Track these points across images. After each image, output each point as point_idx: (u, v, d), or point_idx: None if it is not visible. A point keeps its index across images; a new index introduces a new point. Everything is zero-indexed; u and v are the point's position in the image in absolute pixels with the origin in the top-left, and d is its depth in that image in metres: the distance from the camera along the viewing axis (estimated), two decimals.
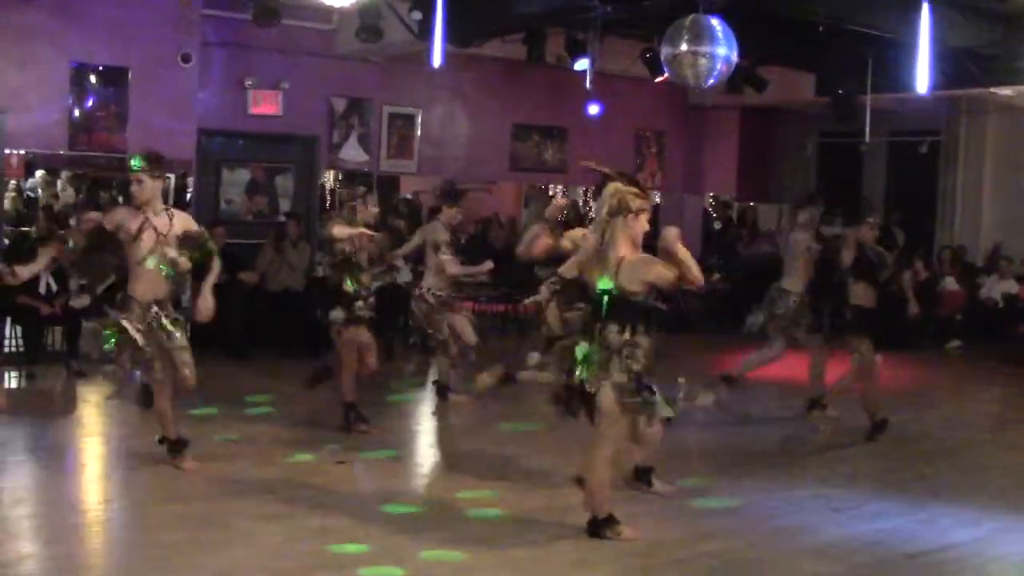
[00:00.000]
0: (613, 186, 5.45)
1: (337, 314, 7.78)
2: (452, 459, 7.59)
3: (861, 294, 8.22)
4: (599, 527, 5.64)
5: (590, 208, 18.65)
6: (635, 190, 5.45)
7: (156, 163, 6.57)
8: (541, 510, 6.19)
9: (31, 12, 10.28)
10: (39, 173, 12.98)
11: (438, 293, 8.72)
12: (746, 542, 5.82)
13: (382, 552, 5.42)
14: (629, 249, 5.42)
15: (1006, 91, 12.38)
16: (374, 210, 8.02)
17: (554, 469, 6.97)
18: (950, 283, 13.85)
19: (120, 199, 11.77)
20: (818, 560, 5.63)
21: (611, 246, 5.41)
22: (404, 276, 11.49)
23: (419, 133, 13.54)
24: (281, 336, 11.14)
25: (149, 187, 6.51)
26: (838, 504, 6.54)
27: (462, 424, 8.76)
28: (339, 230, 7.70)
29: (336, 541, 5.50)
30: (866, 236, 8.23)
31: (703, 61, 8.12)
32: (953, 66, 10.52)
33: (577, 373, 5.51)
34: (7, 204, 11.62)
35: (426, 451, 8.08)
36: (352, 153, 13.04)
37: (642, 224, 5.46)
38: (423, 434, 8.58)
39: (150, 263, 6.47)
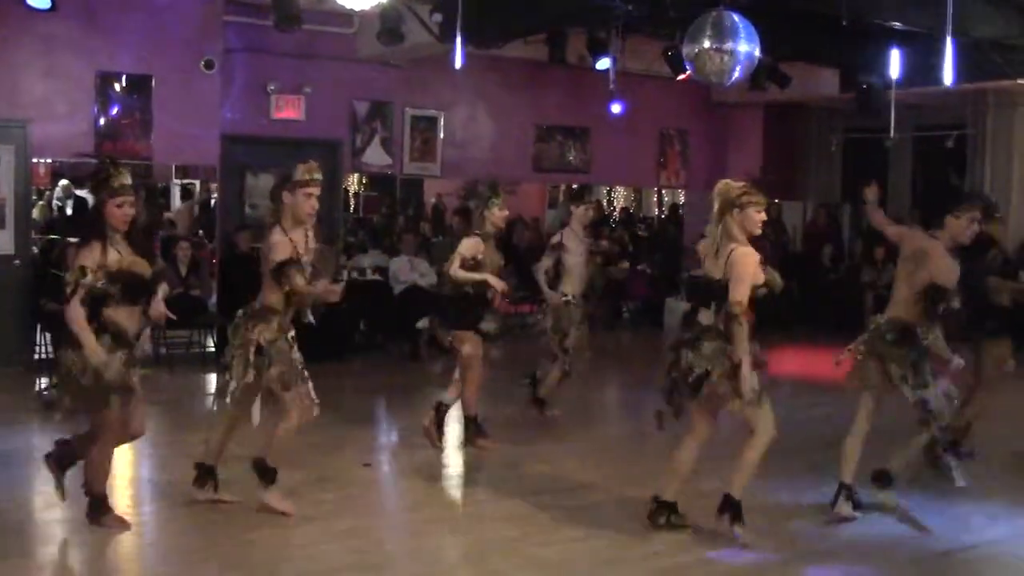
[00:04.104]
0: (722, 183, 5.76)
1: (488, 326, 7.59)
2: (480, 461, 7.58)
3: None
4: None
5: (614, 209, 18.69)
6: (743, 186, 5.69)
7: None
8: (569, 510, 6.18)
9: (55, 22, 10.35)
10: (61, 183, 13.05)
11: (573, 299, 8.54)
12: (775, 541, 5.79)
13: (409, 554, 5.43)
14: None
15: None
16: (503, 213, 7.72)
17: (583, 470, 6.96)
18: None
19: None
20: (848, 559, 5.61)
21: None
22: (430, 279, 11.52)
23: (442, 136, 13.55)
24: (309, 340, 11.16)
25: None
26: (869, 502, 6.49)
27: (498, 428, 8.74)
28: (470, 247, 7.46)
29: (365, 543, 5.52)
30: None
31: (725, 58, 8.07)
32: (979, 58, 10.42)
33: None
34: (35, 213, 11.72)
35: (456, 454, 8.07)
36: (375, 157, 13.06)
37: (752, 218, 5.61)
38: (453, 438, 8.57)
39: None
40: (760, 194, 5.69)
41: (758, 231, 5.65)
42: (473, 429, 7.71)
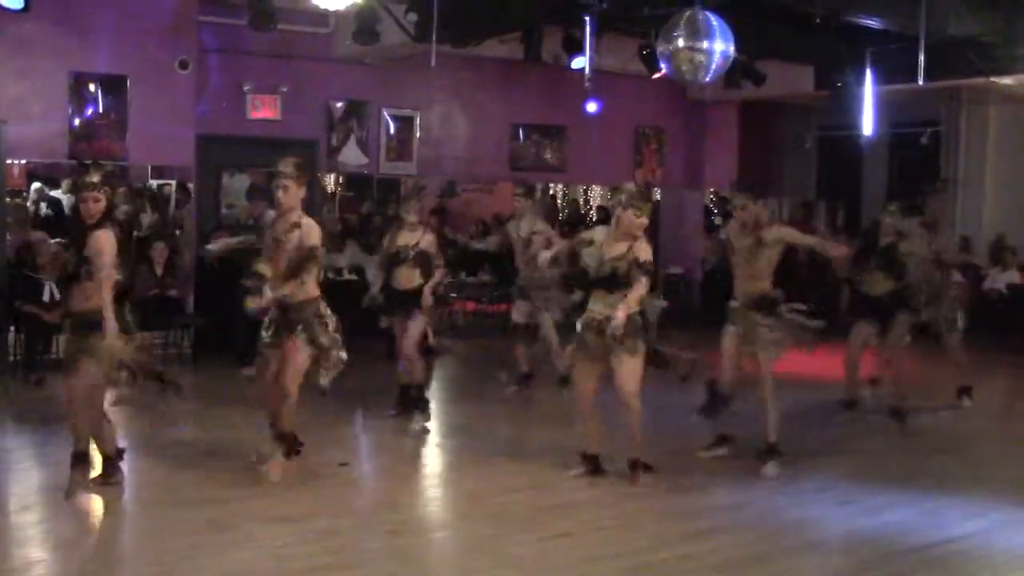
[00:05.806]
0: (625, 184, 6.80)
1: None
2: (457, 460, 7.57)
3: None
4: None
5: (590, 207, 18.72)
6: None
7: (302, 170, 6.61)
8: (545, 507, 6.19)
9: (29, 22, 10.27)
10: (34, 186, 12.92)
11: None
12: (752, 536, 5.81)
13: (385, 554, 5.42)
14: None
15: (1006, 80, 12.34)
16: (412, 218, 8.34)
17: (559, 467, 6.97)
18: (954, 274, 13.74)
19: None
20: (824, 554, 5.64)
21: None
22: None
23: (418, 135, 13.53)
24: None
25: (293, 193, 6.50)
26: (844, 498, 6.54)
27: (462, 423, 8.74)
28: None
29: (341, 543, 5.51)
30: None
31: (700, 56, 8.09)
32: (952, 56, 10.49)
33: None
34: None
35: (433, 452, 8.07)
36: (351, 156, 13.04)
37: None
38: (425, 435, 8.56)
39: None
40: (643, 200, 6.47)
41: (635, 231, 6.41)
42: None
